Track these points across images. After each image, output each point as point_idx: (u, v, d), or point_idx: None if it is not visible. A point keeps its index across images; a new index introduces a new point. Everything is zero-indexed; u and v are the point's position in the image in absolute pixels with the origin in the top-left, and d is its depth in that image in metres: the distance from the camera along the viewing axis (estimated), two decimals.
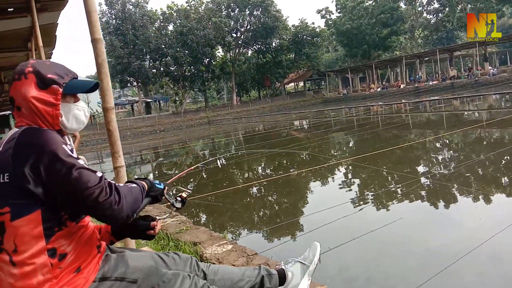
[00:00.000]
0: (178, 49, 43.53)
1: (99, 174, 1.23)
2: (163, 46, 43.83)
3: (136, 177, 1.59)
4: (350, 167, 8.89)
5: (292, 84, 63.25)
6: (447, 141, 10.65)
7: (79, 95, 1.41)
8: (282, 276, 1.74)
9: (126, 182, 1.46)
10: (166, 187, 1.62)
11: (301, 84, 61.41)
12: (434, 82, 38.73)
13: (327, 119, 24.24)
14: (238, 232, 5.27)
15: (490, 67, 36.02)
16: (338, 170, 8.77)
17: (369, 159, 8.77)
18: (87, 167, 1.20)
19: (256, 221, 5.84)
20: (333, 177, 8.20)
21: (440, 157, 9.05)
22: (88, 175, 1.17)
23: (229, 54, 50.27)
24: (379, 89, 43.73)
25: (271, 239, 4.94)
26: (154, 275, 1.31)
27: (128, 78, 44.76)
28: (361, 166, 8.53)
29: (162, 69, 46.57)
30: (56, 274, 1.14)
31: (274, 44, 50.95)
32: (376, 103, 29.17)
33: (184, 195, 1.78)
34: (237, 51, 49.84)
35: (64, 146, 1.17)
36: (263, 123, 27.44)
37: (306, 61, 52.29)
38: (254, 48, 51.22)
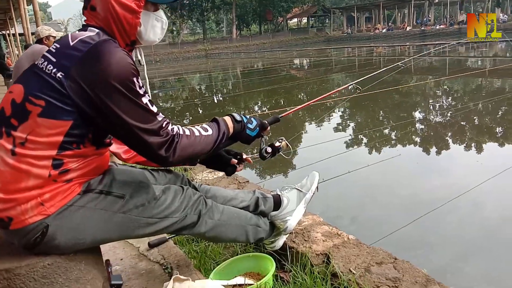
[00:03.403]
0: None
1: (160, 117, 1.14)
2: None
3: (235, 114, 1.43)
4: (347, 106, 8.80)
5: (295, 20, 60.92)
6: (447, 88, 10.51)
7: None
8: (278, 201, 1.69)
9: (212, 121, 1.37)
10: (264, 133, 1.52)
11: (305, 20, 59.15)
12: (441, 26, 37.47)
13: (328, 58, 23.64)
14: None
15: (501, 14, 34.70)
16: (336, 109, 8.70)
17: (366, 101, 8.66)
18: (149, 107, 1.11)
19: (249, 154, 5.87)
20: (329, 116, 8.15)
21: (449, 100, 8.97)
22: (146, 116, 1.10)
23: None
24: (384, 30, 42.32)
25: (264, 172, 5.00)
26: (143, 192, 1.25)
27: None
28: (358, 106, 8.45)
29: None
30: (47, 185, 1.07)
31: None
32: (380, 45, 28.33)
33: (277, 144, 1.61)
34: None
35: (134, 78, 1.07)
36: (262, 60, 26.76)
37: None
38: None
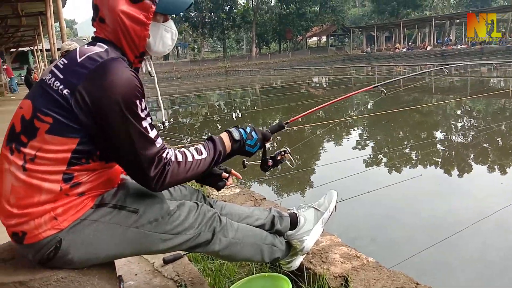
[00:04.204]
0: None
1: (157, 143, 1.11)
2: None
3: (234, 128, 1.36)
4: (366, 125, 8.71)
5: (315, 38, 61.24)
6: (469, 108, 10.30)
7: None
8: (294, 220, 1.63)
9: (208, 139, 1.30)
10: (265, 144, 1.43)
11: (324, 39, 59.42)
12: (462, 46, 37.00)
13: (347, 76, 23.58)
14: (247, 181, 5.28)
15: None
16: (355, 127, 8.61)
17: (386, 120, 8.55)
18: (148, 132, 1.08)
19: (267, 172, 5.82)
20: (348, 134, 8.07)
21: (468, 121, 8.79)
22: (143, 141, 1.07)
23: (251, 2, 48.47)
24: (404, 50, 42.07)
25: (282, 190, 4.95)
26: (157, 207, 1.23)
27: None
28: (378, 125, 8.35)
29: (182, 14, 45.40)
30: (60, 199, 1.07)
31: None
32: (400, 64, 28.15)
33: (279, 157, 1.53)
34: None
35: (138, 101, 1.06)
36: (281, 78, 26.90)
37: (331, 15, 50.11)
38: None
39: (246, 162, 1.53)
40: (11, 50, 25.21)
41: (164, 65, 40.95)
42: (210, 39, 52.37)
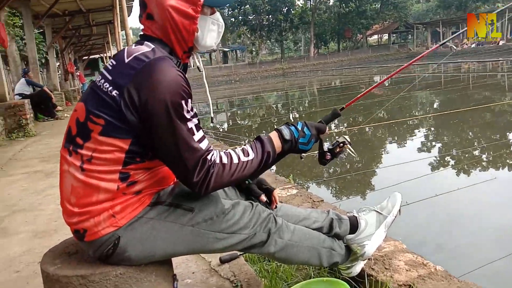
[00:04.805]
0: None
1: (203, 144, 1.07)
2: None
3: (284, 126, 1.26)
4: (432, 125, 8.22)
5: (376, 36, 59.33)
6: None
7: None
8: (354, 224, 1.54)
9: (256, 139, 1.21)
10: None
11: (385, 37, 57.35)
12: None
13: (411, 75, 22.51)
14: (305, 183, 5.19)
15: None
16: (420, 127, 8.17)
17: (455, 119, 8.00)
18: (193, 132, 1.05)
19: (325, 174, 5.69)
20: (413, 135, 7.66)
21: None
22: (188, 145, 1.04)
23: (309, 2, 48.06)
24: (473, 45, 39.32)
25: (341, 192, 4.80)
26: (212, 205, 1.21)
27: None
28: (445, 125, 7.84)
29: (240, 17, 46.26)
30: (117, 197, 1.10)
31: None
32: (468, 60, 26.34)
33: (338, 149, 1.38)
34: None
35: (183, 101, 1.03)
36: (340, 77, 26.36)
37: (393, 12, 48.23)
38: None
39: (303, 154, 1.37)
40: (83, 58, 27.18)
41: (224, 68, 41.95)
42: (268, 41, 52.75)
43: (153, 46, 1.11)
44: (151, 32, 1.15)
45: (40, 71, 13.68)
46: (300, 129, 1.26)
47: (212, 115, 1.65)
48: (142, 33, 1.20)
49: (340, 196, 4.68)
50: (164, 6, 1.09)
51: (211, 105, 1.49)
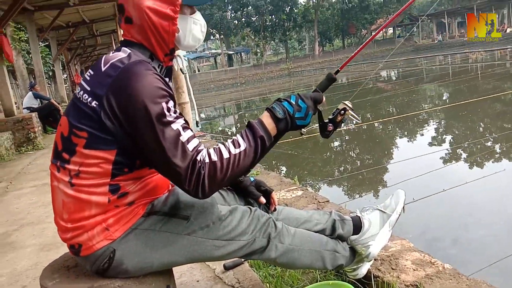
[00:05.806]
0: None
1: (191, 145, 1.01)
2: None
3: (276, 104, 1.14)
4: (442, 118, 8.11)
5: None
6: None
7: None
8: (358, 224, 1.51)
9: (247, 126, 1.11)
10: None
11: (390, 31, 56.86)
12: None
13: (418, 68, 22.29)
14: (310, 183, 5.15)
15: None
16: (429, 121, 8.06)
17: (464, 111, 7.88)
18: (179, 133, 1.00)
19: (331, 173, 5.64)
20: (421, 129, 7.57)
21: None
22: (175, 149, 0.98)
23: (312, 0, 47.93)
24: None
25: (349, 191, 4.75)
26: (208, 212, 1.19)
27: (211, 30, 45.35)
28: (454, 117, 7.73)
29: (243, 19, 46.33)
30: (109, 210, 1.08)
31: None
32: (476, 50, 25.98)
33: (339, 117, 1.27)
34: None
35: (163, 103, 0.99)
36: (346, 74, 26.20)
37: (396, 5, 47.77)
38: None
39: (303, 129, 1.22)
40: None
41: (229, 71, 42.02)
42: (272, 42, 52.72)
43: (129, 51, 1.08)
44: (131, 36, 1.13)
45: (48, 83, 13.87)
46: (294, 103, 1.13)
47: (197, 119, 1.64)
48: (122, 38, 1.17)
49: (349, 195, 4.63)
50: (141, 8, 1.07)
51: (195, 108, 1.47)
